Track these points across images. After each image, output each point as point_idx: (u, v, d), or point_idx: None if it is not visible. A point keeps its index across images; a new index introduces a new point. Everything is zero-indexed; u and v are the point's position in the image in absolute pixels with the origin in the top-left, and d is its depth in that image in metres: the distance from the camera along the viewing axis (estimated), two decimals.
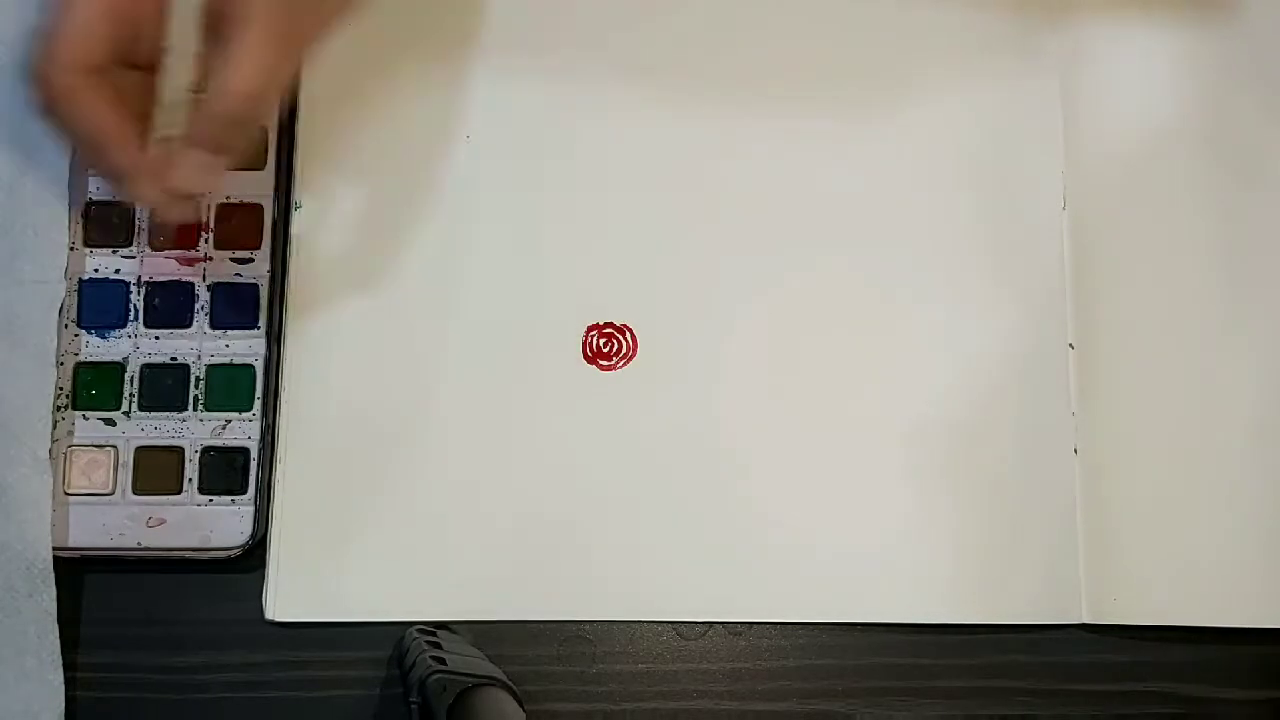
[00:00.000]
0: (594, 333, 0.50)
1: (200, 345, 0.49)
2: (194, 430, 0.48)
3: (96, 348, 0.49)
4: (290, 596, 0.47)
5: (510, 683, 0.45)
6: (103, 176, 0.47)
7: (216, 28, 0.41)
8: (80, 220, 0.49)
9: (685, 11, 0.52)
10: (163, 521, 0.47)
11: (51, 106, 0.41)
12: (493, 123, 0.50)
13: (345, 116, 0.50)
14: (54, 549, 0.46)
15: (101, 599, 0.48)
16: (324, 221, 0.50)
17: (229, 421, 0.48)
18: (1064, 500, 0.49)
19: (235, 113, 0.41)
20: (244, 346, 0.49)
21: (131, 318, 0.49)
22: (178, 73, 0.41)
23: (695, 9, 0.52)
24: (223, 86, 0.40)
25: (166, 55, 0.41)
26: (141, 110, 0.42)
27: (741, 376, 0.49)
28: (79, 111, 0.41)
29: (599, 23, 0.51)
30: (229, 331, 0.49)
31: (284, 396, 0.49)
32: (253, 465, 0.48)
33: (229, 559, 0.47)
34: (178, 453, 0.48)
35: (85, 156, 0.45)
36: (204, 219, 0.49)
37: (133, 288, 0.49)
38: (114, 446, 0.48)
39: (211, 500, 0.48)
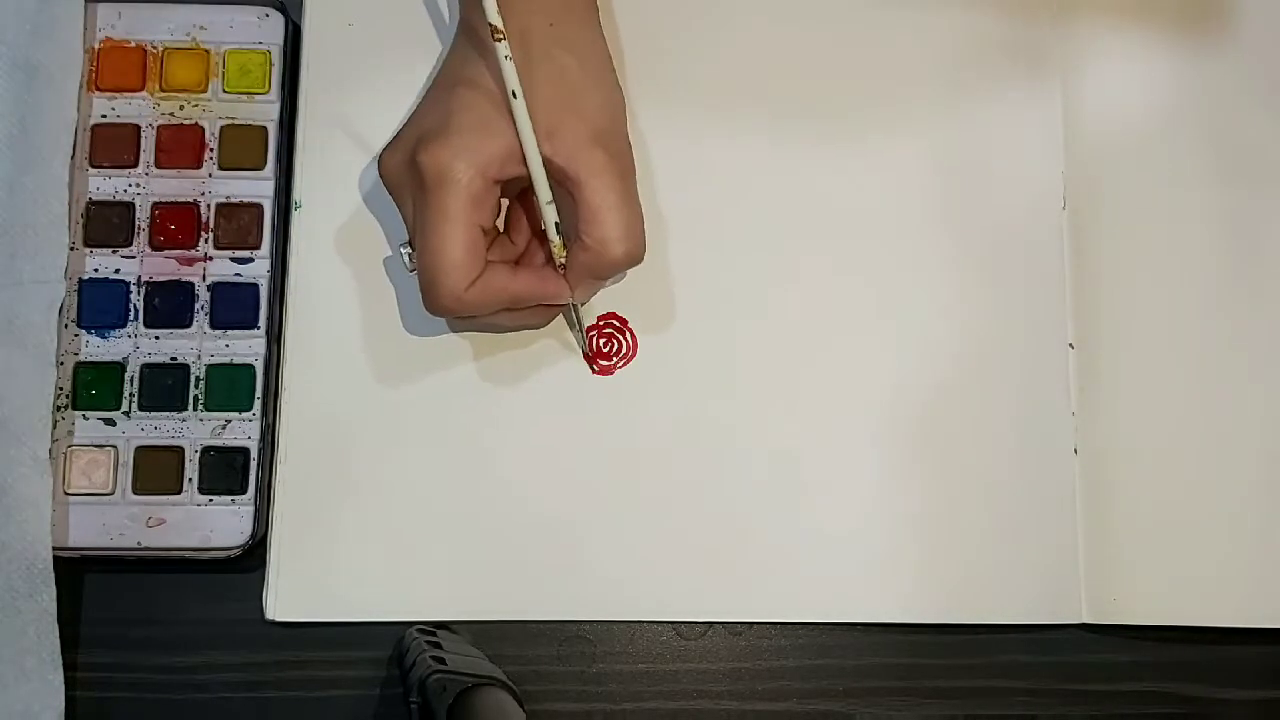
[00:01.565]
0: (593, 332, 0.50)
1: (200, 345, 0.49)
2: (194, 430, 0.48)
3: (96, 348, 0.49)
4: (290, 596, 0.47)
5: (510, 683, 0.45)
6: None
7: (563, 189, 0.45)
8: (80, 220, 0.49)
9: (683, 13, 0.52)
10: (163, 521, 0.47)
11: (456, 316, 0.45)
12: None
13: (345, 117, 0.50)
14: (54, 549, 0.46)
15: (101, 599, 0.48)
16: (324, 221, 0.50)
17: (229, 421, 0.48)
18: (1064, 500, 0.49)
19: (627, 257, 0.45)
20: (244, 346, 0.49)
21: (131, 318, 0.49)
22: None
23: (693, 12, 0.52)
24: (608, 239, 0.44)
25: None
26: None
27: (741, 376, 0.49)
28: (481, 312, 0.45)
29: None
30: (229, 331, 0.49)
31: (284, 396, 0.49)
32: (253, 465, 0.48)
33: (229, 559, 0.47)
34: (178, 453, 0.48)
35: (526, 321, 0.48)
36: (205, 219, 0.49)
37: (133, 288, 0.49)
38: (114, 446, 0.48)
39: (211, 500, 0.48)
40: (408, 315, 0.49)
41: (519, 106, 0.43)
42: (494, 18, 0.42)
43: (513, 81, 0.43)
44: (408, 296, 0.49)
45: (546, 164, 0.44)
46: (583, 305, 0.49)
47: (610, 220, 0.44)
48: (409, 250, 0.46)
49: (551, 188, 0.45)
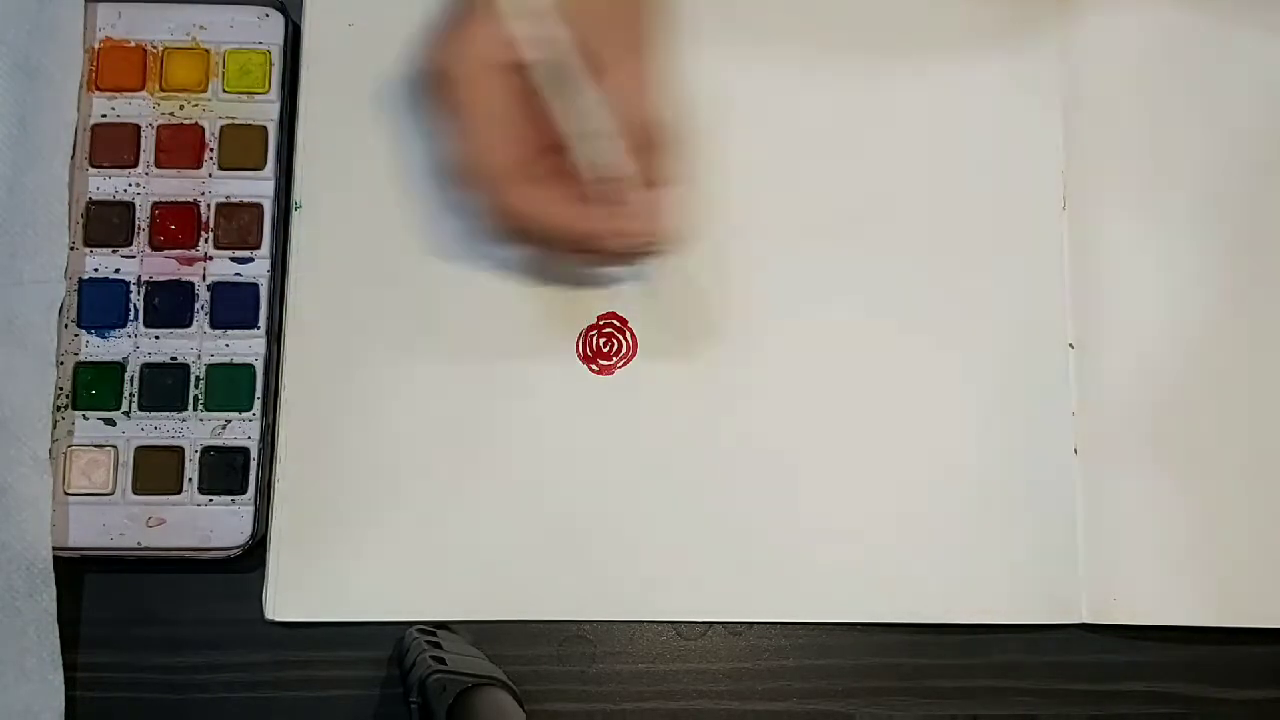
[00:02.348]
0: (594, 332, 0.50)
1: (200, 345, 0.49)
2: (194, 430, 0.48)
3: (96, 348, 0.49)
4: (290, 596, 0.47)
5: (510, 683, 0.45)
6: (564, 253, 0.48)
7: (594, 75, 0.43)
8: (80, 220, 0.49)
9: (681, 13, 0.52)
10: (163, 521, 0.47)
11: (514, 218, 0.44)
12: None
13: (345, 117, 0.50)
14: (54, 549, 0.46)
15: (101, 599, 0.48)
16: (324, 221, 0.50)
17: (229, 421, 0.48)
18: (1064, 500, 0.49)
19: (649, 121, 0.43)
20: (244, 346, 0.49)
21: (131, 317, 0.49)
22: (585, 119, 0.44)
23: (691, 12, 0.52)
24: (627, 101, 0.43)
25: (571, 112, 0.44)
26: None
27: (741, 376, 0.49)
28: (540, 219, 0.44)
29: None
30: (229, 331, 0.49)
31: (284, 396, 0.49)
32: (253, 465, 0.48)
33: (229, 559, 0.47)
34: (178, 453, 0.48)
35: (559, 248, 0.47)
36: (205, 219, 0.49)
37: (133, 287, 0.49)
38: (114, 446, 0.48)
39: (211, 500, 0.48)
40: (408, 315, 0.49)
41: None
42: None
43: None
44: (408, 295, 0.49)
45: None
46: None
47: (624, 97, 0.43)
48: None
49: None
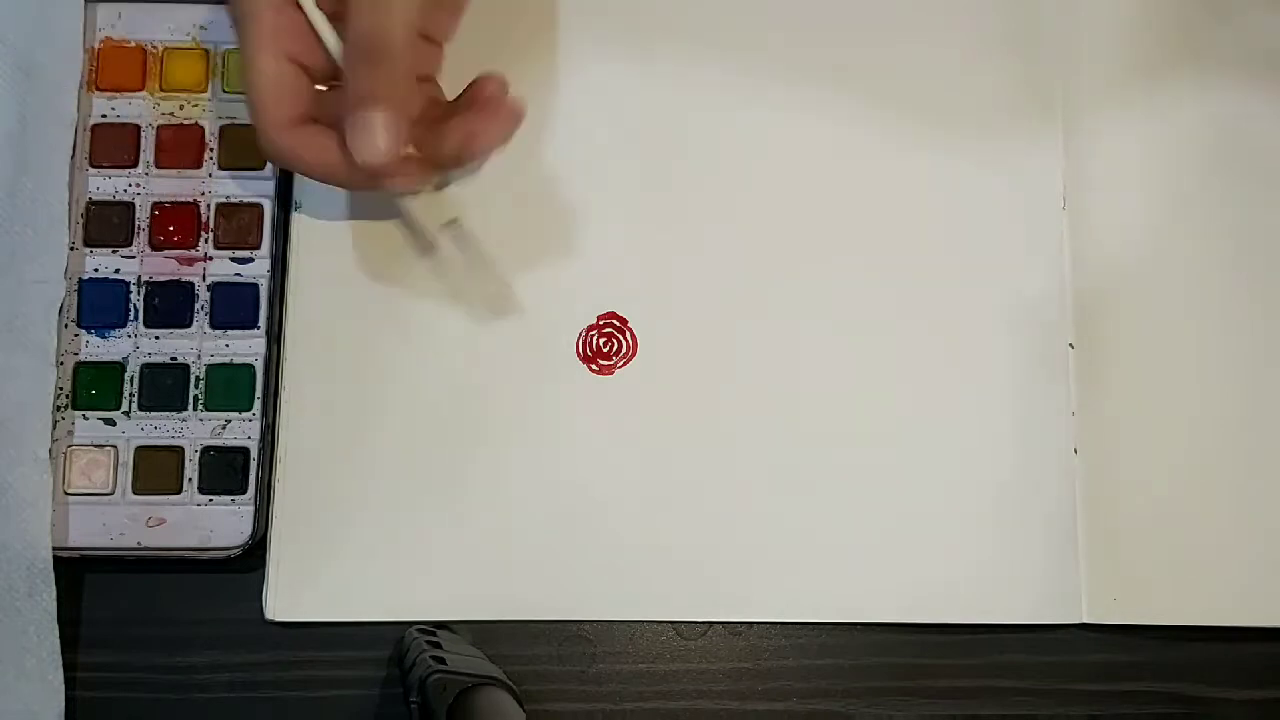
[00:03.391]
0: (593, 332, 0.50)
1: (200, 345, 0.49)
2: (194, 430, 0.48)
3: (96, 347, 0.49)
4: (290, 596, 0.47)
5: (510, 683, 0.45)
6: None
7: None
8: (80, 220, 0.49)
9: (682, 14, 0.52)
10: (163, 521, 0.47)
11: (280, 161, 0.45)
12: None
13: None
14: (54, 549, 0.46)
15: (101, 599, 0.48)
16: (324, 221, 0.50)
17: (229, 421, 0.48)
18: (1064, 500, 0.49)
19: (370, 49, 0.42)
20: (244, 346, 0.49)
21: (131, 317, 0.49)
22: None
23: (692, 13, 0.52)
24: (350, 32, 0.42)
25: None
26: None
27: (740, 376, 0.49)
28: (303, 165, 0.44)
29: (597, 22, 0.51)
30: (229, 331, 0.49)
31: (284, 396, 0.49)
32: (253, 465, 0.48)
33: (229, 559, 0.47)
34: (178, 453, 0.48)
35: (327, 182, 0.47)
36: (205, 219, 0.49)
37: (133, 287, 0.49)
38: (114, 446, 0.48)
39: (211, 500, 0.48)
40: (407, 315, 0.49)
41: None
42: None
43: None
44: (408, 296, 0.49)
45: None
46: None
47: (354, 7, 0.42)
48: None
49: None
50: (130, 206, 0.49)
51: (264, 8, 0.43)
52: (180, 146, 0.50)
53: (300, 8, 0.43)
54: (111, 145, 0.50)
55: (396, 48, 0.42)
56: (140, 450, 0.48)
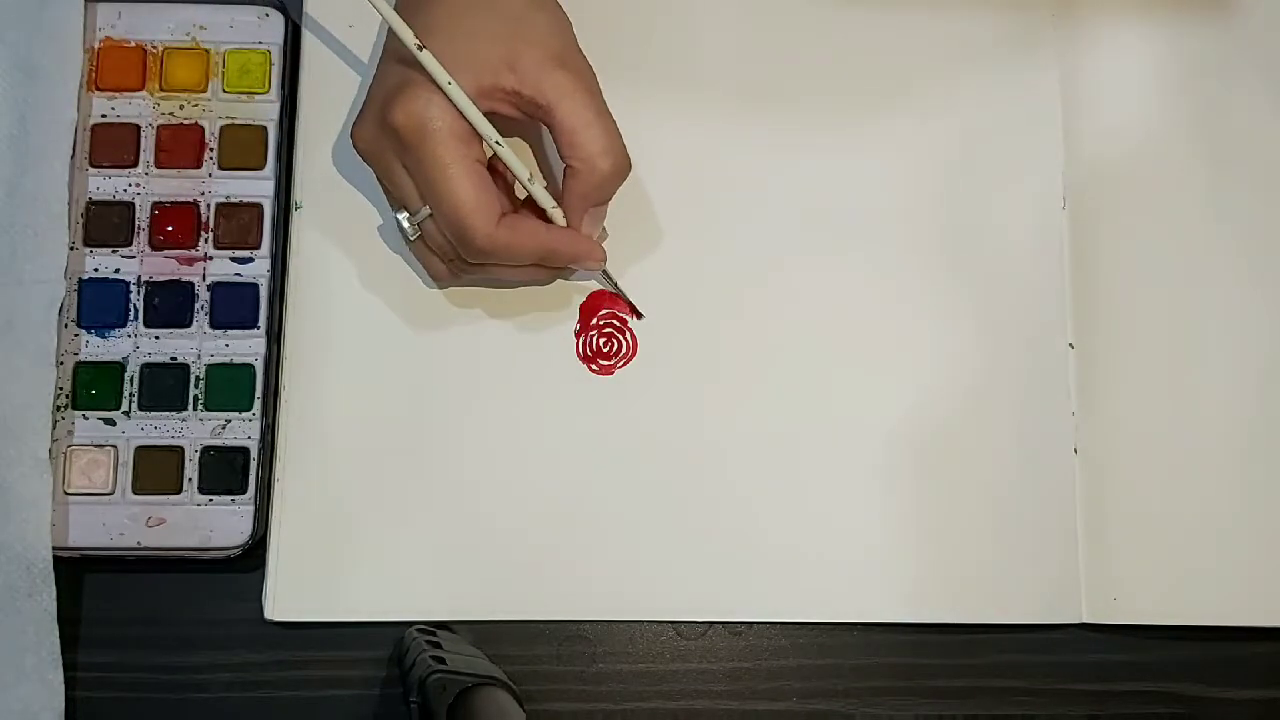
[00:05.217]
0: (593, 332, 0.50)
1: (200, 345, 0.49)
2: (194, 430, 0.48)
3: (96, 347, 0.49)
4: (290, 596, 0.47)
5: (510, 682, 0.45)
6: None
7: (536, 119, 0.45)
8: (80, 220, 0.49)
9: (684, 15, 0.52)
10: (163, 521, 0.47)
11: (498, 258, 0.45)
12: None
13: (344, 117, 0.50)
14: (54, 549, 0.46)
15: (101, 599, 0.48)
16: (324, 221, 0.50)
17: (229, 421, 0.48)
18: (1064, 500, 0.49)
19: (613, 169, 0.45)
20: (244, 346, 0.49)
21: (131, 317, 0.49)
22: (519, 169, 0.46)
23: (695, 13, 0.52)
24: (594, 154, 0.44)
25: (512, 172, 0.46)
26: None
27: (741, 377, 0.49)
28: (523, 252, 0.46)
29: (598, 22, 0.51)
30: (229, 331, 0.49)
31: (284, 396, 0.49)
32: (253, 465, 0.48)
33: (229, 559, 0.47)
34: (178, 453, 0.48)
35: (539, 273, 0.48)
36: (205, 218, 0.49)
37: (133, 287, 0.49)
38: (114, 446, 0.48)
39: (211, 500, 0.48)
40: (407, 315, 0.49)
41: (427, 59, 0.43)
42: (409, 41, 0.43)
43: (440, 77, 0.43)
44: (408, 296, 0.49)
45: (515, 96, 0.44)
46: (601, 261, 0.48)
47: (590, 136, 0.44)
48: (407, 214, 0.46)
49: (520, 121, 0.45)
50: (130, 206, 0.49)
51: (458, 122, 0.43)
52: (180, 146, 0.50)
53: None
54: (111, 145, 0.50)
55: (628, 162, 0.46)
56: (140, 450, 0.48)
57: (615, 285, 0.49)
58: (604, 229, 0.49)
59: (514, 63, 0.44)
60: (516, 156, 0.46)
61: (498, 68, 0.44)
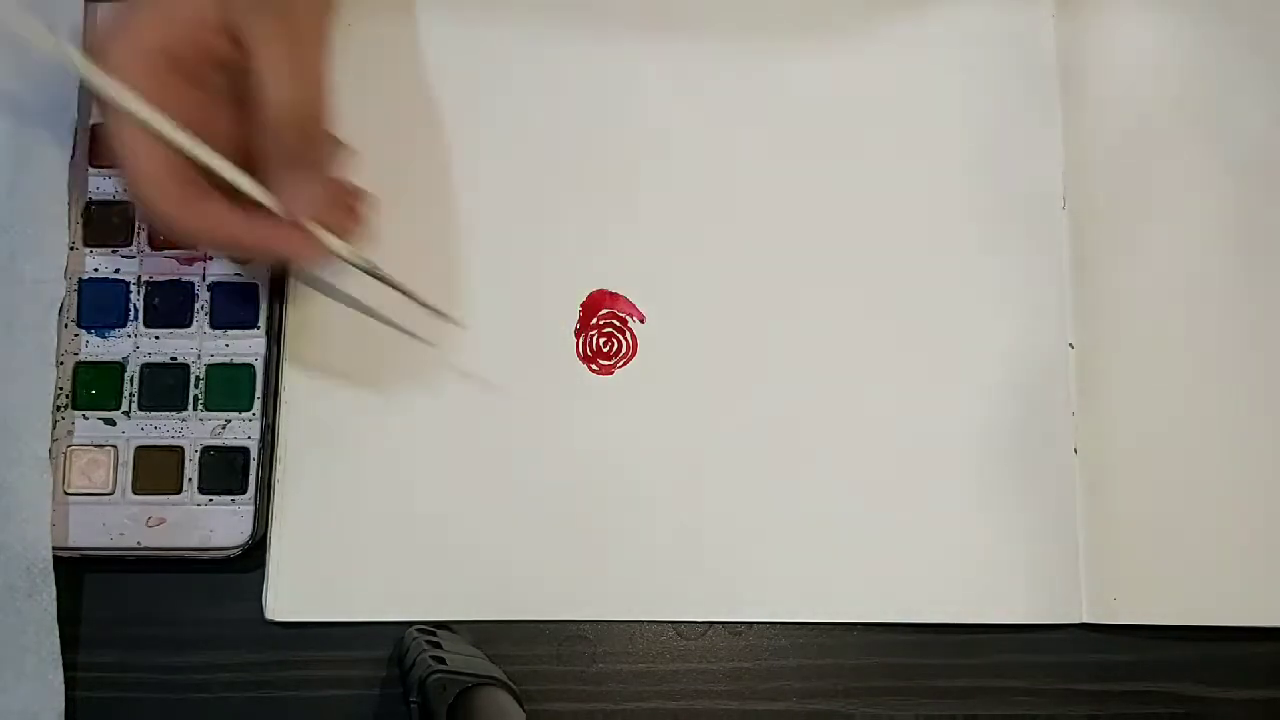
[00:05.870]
0: (593, 332, 0.50)
1: (200, 345, 0.49)
2: (194, 430, 0.48)
3: (96, 347, 0.49)
4: (290, 596, 0.47)
5: (510, 682, 0.45)
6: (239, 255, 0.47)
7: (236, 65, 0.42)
8: (80, 220, 0.49)
9: (684, 15, 0.52)
10: (163, 521, 0.47)
11: (184, 237, 0.43)
12: (495, 121, 0.50)
13: (343, 117, 0.50)
14: (54, 549, 0.46)
15: (101, 599, 0.48)
16: None
17: (229, 421, 0.48)
18: (1064, 500, 0.49)
19: (292, 120, 0.42)
20: (244, 346, 0.49)
21: (131, 317, 0.49)
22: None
23: (696, 15, 0.52)
24: (267, 102, 0.41)
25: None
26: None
27: (741, 377, 0.49)
28: (213, 238, 0.43)
29: (598, 23, 0.52)
30: (229, 331, 0.49)
31: (284, 396, 0.49)
32: (253, 465, 0.48)
33: (229, 559, 0.47)
34: (178, 452, 0.48)
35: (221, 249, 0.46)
36: None
37: (133, 287, 0.49)
38: (114, 446, 0.48)
39: (211, 500, 0.48)
40: (408, 314, 0.49)
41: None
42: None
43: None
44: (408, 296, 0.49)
45: (222, 37, 0.41)
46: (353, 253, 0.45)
47: (269, 79, 0.41)
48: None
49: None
50: (130, 206, 0.49)
51: (138, 62, 0.41)
52: None
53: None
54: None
55: (323, 117, 0.43)
56: (140, 450, 0.48)
57: (395, 285, 0.46)
58: (359, 218, 0.45)
59: (225, 3, 0.41)
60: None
61: (204, 7, 0.41)
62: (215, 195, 0.43)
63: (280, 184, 0.43)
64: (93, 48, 0.41)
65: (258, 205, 0.43)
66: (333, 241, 0.44)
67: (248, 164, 0.43)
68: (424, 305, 0.47)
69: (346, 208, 0.46)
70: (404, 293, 0.47)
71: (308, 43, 0.43)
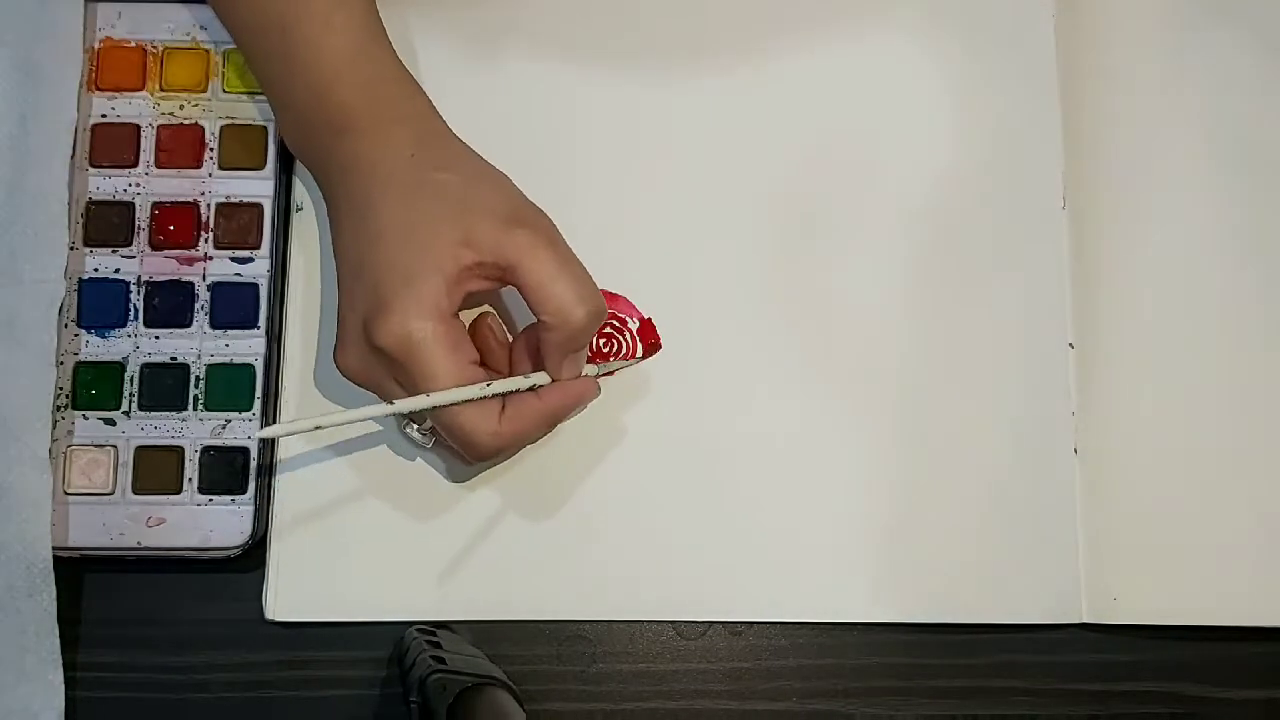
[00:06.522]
0: None
1: (200, 345, 0.49)
2: (194, 430, 0.48)
3: (96, 347, 0.49)
4: (290, 596, 0.47)
5: (510, 682, 0.45)
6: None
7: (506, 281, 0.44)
8: (80, 220, 0.49)
9: (685, 16, 0.52)
10: (163, 521, 0.47)
11: (504, 455, 0.46)
12: (494, 122, 0.50)
13: None
14: (54, 549, 0.46)
15: (101, 599, 0.48)
16: (324, 222, 0.50)
17: (229, 421, 0.48)
18: (1064, 500, 0.49)
19: (585, 317, 0.43)
20: (244, 346, 0.49)
21: (131, 317, 0.49)
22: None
23: (697, 16, 0.52)
24: (558, 310, 0.43)
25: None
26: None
27: (741, 376, 0.49)
28: (525, 440, 0.45)
29: (599, 27, 0.52)
30: (229, 331, 0.49)
31: (284, 396, 0.49)
32: (253, 465, 0.48)
33: (229, 559, 0.47)
34: (178, 452, 0.48)
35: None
36: (205, 218, 0.49)
37: (133, 287, 0.49)
38: (114, 446, 0.48)
39: (211, 500, 0.48)
40: None
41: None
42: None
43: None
44: None
45: (480, 268, 0.43)
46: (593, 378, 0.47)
47: (559, 289, 0.43)
48: (415, 426, 0.46)
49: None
50: (130, 206, 0.49)
51: (438, 329, 0.42)
52: (180, 146, 0.50)
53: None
54: (111, 145, 0.50)
55: (604, 307, 0.45)
56: (140, 450, 0.48)
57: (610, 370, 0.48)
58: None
59: (470, 238, 0.43)
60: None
61: (457, 250, 0.43)
62: (514, 405, 0.44)
63: (570, 364, 0.45)
64: (387, 332, 0.43)
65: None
66: (590, 369, 0.47)
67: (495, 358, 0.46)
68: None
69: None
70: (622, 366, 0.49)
71: (562, 243, 0.44)
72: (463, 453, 0.45)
